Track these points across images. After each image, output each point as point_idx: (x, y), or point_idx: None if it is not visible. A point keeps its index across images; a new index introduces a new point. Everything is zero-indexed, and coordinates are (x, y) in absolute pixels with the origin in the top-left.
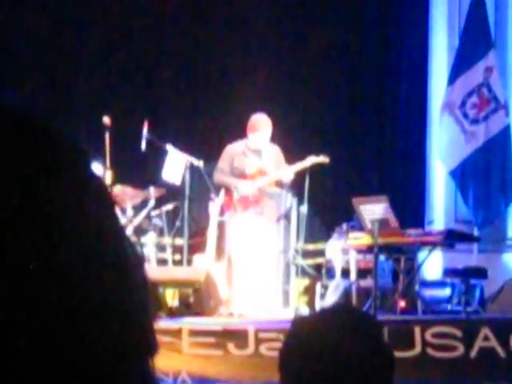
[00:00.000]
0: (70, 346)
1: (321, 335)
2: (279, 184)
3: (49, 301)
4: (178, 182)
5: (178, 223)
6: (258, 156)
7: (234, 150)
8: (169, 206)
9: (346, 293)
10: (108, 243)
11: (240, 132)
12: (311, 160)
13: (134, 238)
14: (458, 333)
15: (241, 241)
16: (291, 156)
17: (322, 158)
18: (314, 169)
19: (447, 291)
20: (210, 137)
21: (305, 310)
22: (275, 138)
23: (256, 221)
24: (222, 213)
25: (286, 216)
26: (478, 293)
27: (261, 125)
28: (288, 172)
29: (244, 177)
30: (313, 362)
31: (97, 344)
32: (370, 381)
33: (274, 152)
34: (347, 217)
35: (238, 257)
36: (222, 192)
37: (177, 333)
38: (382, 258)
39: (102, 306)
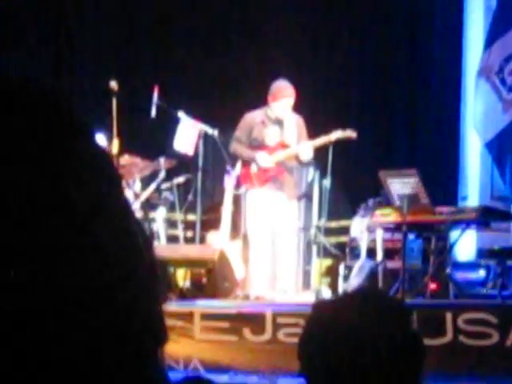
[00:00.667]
0: (77, 335)
1: (343, 321)
2: (299, 160)
3: (56, 287)
4: (190, 153)
5: (190, 197)
6: (279, 126)
7: (252, 119)
8: (180, 179)
9: (372, 274)
10: (113, 224)
11: (260, 99)
12: (337, 134)
13: (142, 213)
14: (493, 319)
15: (258, 217)
16: (314, 128)
17: (349, 133)
18: (337, 141)
19: (481, 273)
20: (226, 103)
21: (327, 293)
22: (297, 109)
23: (275, 196)
24: (237, 186)
25: (308, 193)
26: None
27: (283, 92)
28: (308, 149)
29: (263, 148)
30: (335, 350)
31: (104, 331)
32: (397, 370)
33: (297, 123)
34: (374, 192)
35: (255, 234)
36: (239, 164)
37: (188, 316)
38: (411, 236)
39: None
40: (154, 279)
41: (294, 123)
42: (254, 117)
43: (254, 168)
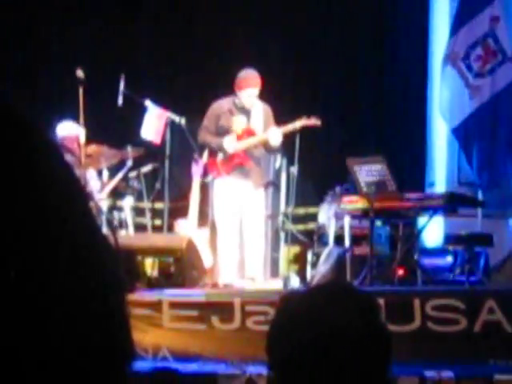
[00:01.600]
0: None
1: (311, 314)
2: (267, 147)
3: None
4: (157, 141)
5: (157, 186)
6: (246, 115)
7: (220, 107)
8: (148, 167)
9: (340, 261)
10: (78, 244)
11: (227, 87)
12: (301, 122)
13: (110, 202)
14: (461, 305)
15: (225, 205)
16: (281, 117)
17: (314, 121)
18: (305, 129)
19: (449, 259)
20: (193, 91)
21: (295, 280)
22: (264, 97)
23: (241, 184)
24: (204, 175)
25: (275, 180)
26: (482, 261)
27: (248, 82)
28: (276, 135)
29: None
30: (303, 343)
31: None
32: (365, 363)
33: (264, 111)
34: (341, 179)
35: (222, 222)
36: (206, 153)
37: (157, 305)
38: (378, 223)
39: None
40: (120, 298)
41: (261, 112)
42: (221, 105)
43: (220, 156)
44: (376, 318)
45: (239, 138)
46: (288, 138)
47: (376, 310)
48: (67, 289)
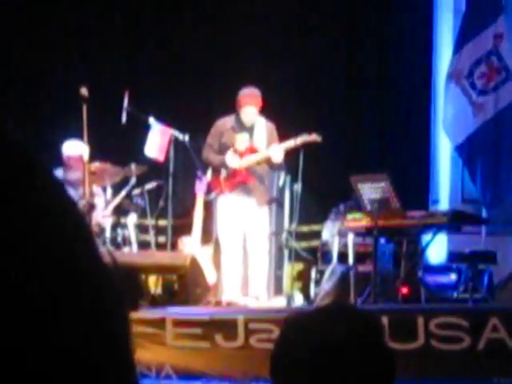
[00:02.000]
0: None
1: (315, 335)
2: (270, 164)
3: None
4: (161, 158)
5: (161, 203)
6: (248, 132)
7: (223, 125)
8: (151, 185)
9: (344, 279)
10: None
11: (231, 105)
12: (302, 138)
13: (113, 219)
14: (465, 323)
15: (228, 223)
16: (284, 134)
17: (314, 137)
18: (308, 146)
19: (453, 277)
20: (196, 109)
21: (298, 298)
22: (268, 114)
23: (244, 202)
24: (208, 192)
25: (279, 197)
26: (486, 279)
27: (246, 100)
28: (278, 151)
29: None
30: (307, 366)
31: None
32: (368, 382)
33: (268, 129)
34: (345, 196)
35: (226, 240)
36: (210, 170)
37: (160, 323)
38: (382, 241)
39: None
40: (123, 317)
41: (264, 129)
42: (224, 123)
43: (223, 173)
44: (380, 339)
45: (242, 155)
46: (291, 155)
47: (380, 330)
48: (69, 309)
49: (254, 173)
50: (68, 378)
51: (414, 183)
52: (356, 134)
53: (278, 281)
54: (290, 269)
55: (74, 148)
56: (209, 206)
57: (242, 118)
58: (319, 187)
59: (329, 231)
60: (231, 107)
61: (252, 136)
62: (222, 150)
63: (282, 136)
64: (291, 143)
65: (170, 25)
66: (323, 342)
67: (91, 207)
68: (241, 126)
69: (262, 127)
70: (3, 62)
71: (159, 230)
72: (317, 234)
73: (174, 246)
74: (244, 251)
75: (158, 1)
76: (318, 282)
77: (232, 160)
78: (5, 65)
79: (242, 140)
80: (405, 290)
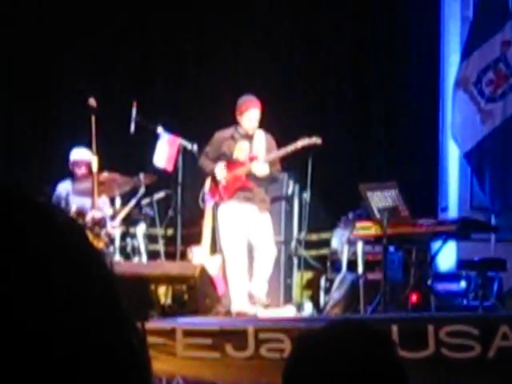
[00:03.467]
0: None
1: (327, 352)
2: (258, 177)
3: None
4: (170, 168)
5: (170, 213)
6: (248, 141)
7: (222, 135)
8: (160, 194)
9: (353, 287)
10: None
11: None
12: (302, 142)
13: (122, 229)
14: (475, 331)
15: (231, 231)
16: (291, 140)
17: (314, 139)
18: (316, 152)
19: (462, 285)
20: (205, 118)
21: (308, 306)
22: (274, 122)
23: (245, 208)
24: (205, 201)
25: (287, 206)
26: (495, 286)
27: (248, 104)
28: (260, 166)
29: (232, 162)
30: (319, 382)
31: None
32: None
33: (266, 140)
34: (354, 205)
35: (230, 249)
36: (208, 178)
37: (170, 333)
38: (391, 249)
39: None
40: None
41: (263, 139)
42: (223, 133)
43: (222, 181)
44: (392, 355)
45: (242, 164)
46: (300, 162)
47: (392, 347)
48: (84, 326)
49: (254, 178)
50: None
51: (422, 191)
52: (364, 142)
53: (288, 289)
54: (299, 277)
55: (81, 154)
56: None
57: (244, 125)
58: (328, 195)
59: (338, 239)
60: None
61: (251, 145)
62: (222, 158)
63: (288, 143)
64: (292, 148)
65: (178, 36)
66: (335, 362)
67: (100, 218)
68: (241, 135)
69: (262, 138)
70: (12, 71)
71: (168, 240)
72: (326, 243)
73: (183, 256)
74: (250, 258)
75: (167, 13)
76: (327, 291)
77: (219, 172)
78: (14, 74)
79: (241, 149)
80: (414, 298)
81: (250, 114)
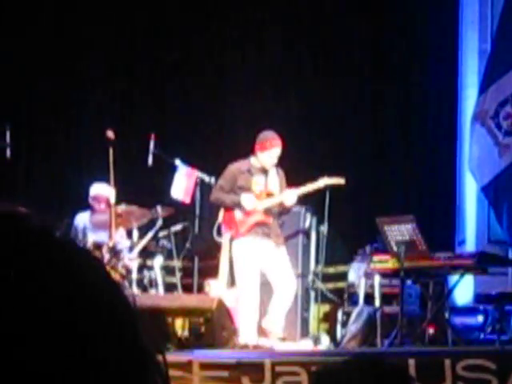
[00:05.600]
0: None
1: None
2: (282, 208)
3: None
4: (187, 201)
5: (187, 245)
6: (264, 175)
7: (237, 169)
8: (178, 227)
9: (370, 320)
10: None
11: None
12: (323, 182)
13: (140, 261)
14: (492, 365)
15: (246, 266)
16: (309, 176)
17: (336, 179)
18: (334, 188)
19: (480, 318)
20: (222, 151)
21: (325, 339)
22: (290, 158)
23: (262, 243)
24: (220, 233)
25: (304, 240)
26: None
27: (272, 142)
28: (292, 196)
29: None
30: None
31: None
32: None
33: (279, 175)
34: (371, 238)
35: (243, 283)
36: (221, 211)
37: (187, 366)
38: (408, 282)
39: None
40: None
41: (276, 175)
42: (239, 167)
43: (238, 215)
44: None
45: (258, 196)
46: (317, 197)
47: (409, 382)
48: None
49: (271, 213)
50: None
51: (440, 224)
52: (382, 176)
53: (305, 322)
54: (316, 310)
55: (100, 190)
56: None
57: (263, 160)
58: (345, 229)
59: (355, 273)
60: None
61: (267, 179)
62: (238, 192)
63: (307, 178)
64: (311, 186)
65: (195, 68)
66: None
67: (117, 250)
68: (257, 169)
69: (275, 172)
70: (31, 103)
71: (185, 272)
72: (343, 276)
73: (200, 289)
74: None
75: (184, 43)
76: (344, 324)
77: (248, 201)
78: (33, 107)
79: (257, 183)
80: (431, 331)
81: (273, 152)
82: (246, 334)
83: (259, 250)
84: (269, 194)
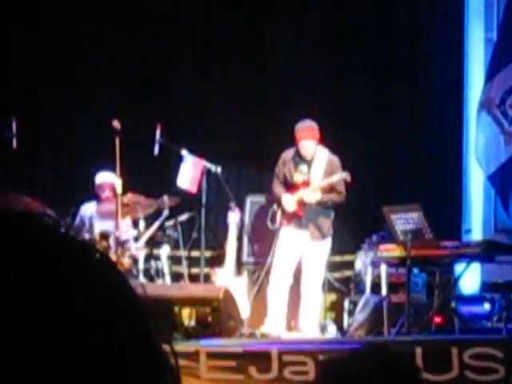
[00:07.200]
0: None
1: (352, 380)
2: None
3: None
4: (194, 190)
5: (194, 234)
6: (307, 165)
7: (286, 156)
8: (184, 216)
9: (377, 309)
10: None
11: (264, 137)
12: (336, 177)
13: (146, 251)
14: (499, 354)
15: (282, 254)
16: None
17: (345, 175)
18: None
19: (486, 307)
20: (228, 140)
21: (332, 328)
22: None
23: (299, 234)
24: (272, 221)
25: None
26: None
27: (302, 134)
28: (309, 195)
29: (290, 186)
30: None
31: None
32: None
33: (328, 162)
34: (377, 227)
35: (276, 270)
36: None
37: (194, 355)
38: (415, 271)
39: None
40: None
41: (324, 162)
42: (286, 155)
43: (289, 211)
44: (416, 380)
45: (296, 187)
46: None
47: (415, 373)
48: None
49: (308, 206)
50: None
51: (446, 213)
52: (388, 165)
53: None
54: (323, 299)
55: (105, 177)
56: (241, 238)
57: (301, 150)
58: (352, 218)
59: (362, 262)
60: (264, 139)
61: (310, 169)
62: (283, 180)
63: None
64: (328, 181)
65: (202, 57)
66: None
67: (123, 240)
68: (300, 159)
69: (323, 160)
70: (37, 95)
71: (192, 262)
72: (350, 265)
73: (207, 278)
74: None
75: (191, 34)
76: (351, 313)
77: (287, 204)
78: (39, 97)
79: (299, 173)
80: (438, 320)
81: (304, 144)
82: (273, 323)
83: (297, 242)
84: (307, 185)
